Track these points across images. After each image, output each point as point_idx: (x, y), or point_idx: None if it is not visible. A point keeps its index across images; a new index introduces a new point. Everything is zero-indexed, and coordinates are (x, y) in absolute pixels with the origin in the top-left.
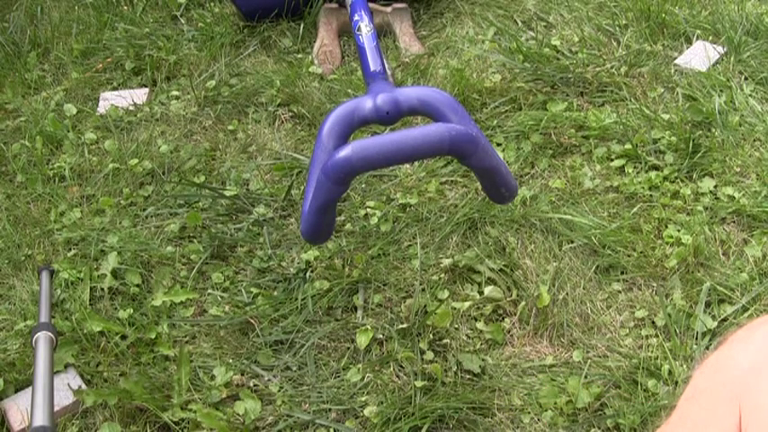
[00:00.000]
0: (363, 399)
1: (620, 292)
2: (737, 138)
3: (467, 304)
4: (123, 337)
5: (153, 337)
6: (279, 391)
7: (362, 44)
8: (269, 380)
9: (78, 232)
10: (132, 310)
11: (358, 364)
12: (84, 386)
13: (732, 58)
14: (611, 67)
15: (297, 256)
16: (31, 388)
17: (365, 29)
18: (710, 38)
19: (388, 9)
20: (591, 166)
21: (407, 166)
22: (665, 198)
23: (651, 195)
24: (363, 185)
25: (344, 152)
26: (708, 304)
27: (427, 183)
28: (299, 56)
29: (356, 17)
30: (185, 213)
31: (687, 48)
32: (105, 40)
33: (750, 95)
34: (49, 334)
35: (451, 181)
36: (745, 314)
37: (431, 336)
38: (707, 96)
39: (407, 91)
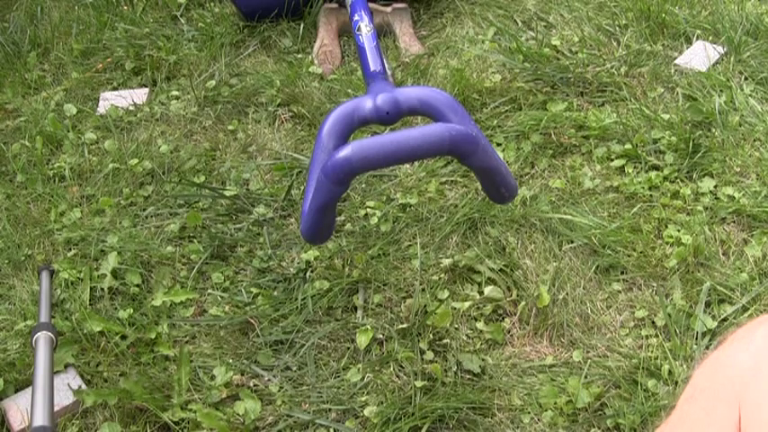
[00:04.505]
0: (363, 399)
1: (620, 292)
2: (737, 138)
3: (467, 304)
4: (123, 337)
5: (153, 337)
6: (279, 391)
7: (362, 44)
8: (269, 380)
9: (78, 232)
10: (132, 310)
11: (358, 364)
12: (84, 386)
13: (732, 58)
14: (611, 67)
15: (297, 256)
16: (31, 388)
17: (365, 29)
18: (710, 38)
19: (388, 9)
20: (591, 166)
21: (407, 166)
22: (665, 198)
23: (651, 195)
24: (363, 185)
25: (344, 152)
26: (708, 304)
27: (427, 183)
28: (299, 56)
29: (356, 17)
30: (185, 213)
31: (687, 48)
32: (105, 40)
33: (750, 95)
34: (49, 334)
35: (451, 181)
36: (745, 314)
37: (431, 336)
38: (707, 96)
39: (407, 91)
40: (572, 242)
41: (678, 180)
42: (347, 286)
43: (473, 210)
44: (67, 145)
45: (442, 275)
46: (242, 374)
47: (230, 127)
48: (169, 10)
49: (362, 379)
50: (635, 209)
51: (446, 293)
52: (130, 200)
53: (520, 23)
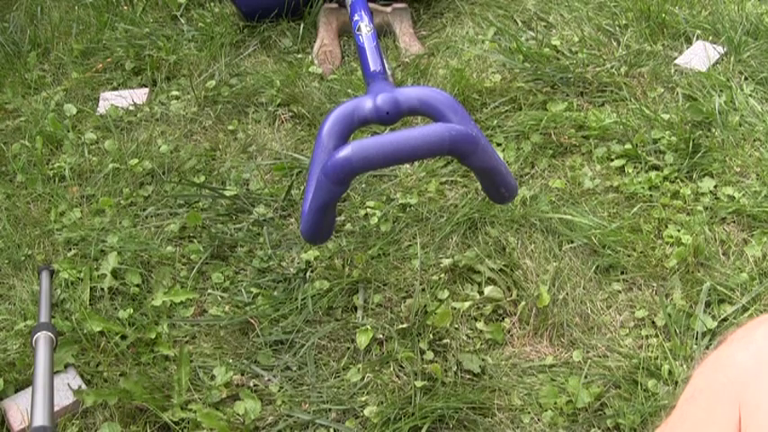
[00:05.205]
0: (363, 399)
1: (620, 292)
2: (737, 138)
3: (467, 304)
4: (123, 337)
5: (153, 337)
6: (279, 391)
7: (362, 44)
8: (269, 380)
9: (78, 232)
10: (132, 310)
11: (358, 364)
12: (84, 386)
13: (732, 58)
14: (611, 67)
15: (297, 256)
16: (31, 388)
17: (365, 29)
18: (710, 38)
19: (388, 9)
20: (591, 166)
21: (407, 166)
22: (665, 198)
23: (651, 195)
24: (363, 185)
25: (344, 152)
26: (708, 304)
27: (427, 183)
28: (299, 56)
29: (356, 17)
30: (185, 213)
31: (687, 48)
32: (105, 40)
33: (750, 95)
34: (49, 334)
35: (451, 181)
36: (745, 314)
37: (431, 336)
38: (707, 96)
39: (407, 91)
40: (572, 242)
41: (678, 180)
42: (347, 286)
43: (473, 210)
44: (67, 145)
45: (442, 275)
46: (242, 374)
47: (230, 127)
48: (169, 10)
49: (362, 379)
50: (635, 209)
51: (446, 293)
52: (130, 200)
53: (520, 23)
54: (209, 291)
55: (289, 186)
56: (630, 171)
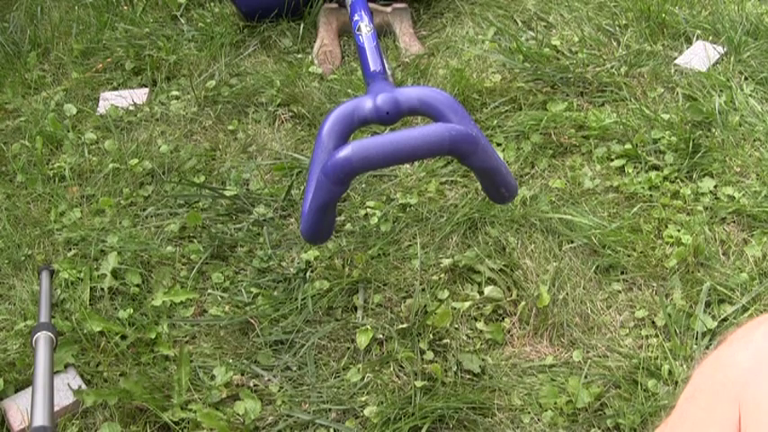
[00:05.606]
0: (363, 399)
1: (620, 292)
2: (737, 138)
3: (467, 304)
4: (123, 337)
5: (153, 337)
6: (279, 391)
7: (362, 44)
8: (269, 380)
9: (78, 232)
10: (132, 310)
11: (358, 364)
12: (84, 386)
13: (732, 58)
14: (611, 67)
15: (297, 256)
16: (31, 388)
17: (365, 29)
18: (710, 38)
19: (388, 9)
20: (591, 166)
21: (407, 166)
22: (665, 198)
23: (651, 195)
24: (363, 185)
25: (344, 152)
26: (708, 304)
27: (427, 183)
28: (299, 56)
29: (356, 17)
30: (185, 213)
31: (687, 48)
32: (105, 40)
33: (750, 95)
34: (49, 334)
35: (451, 181)
36: (745, 314)
37: (431, 336)
38: (707, 96)
39: (407, 91)
40: (572, 242)
41: (678, 180)
42: (347, 286)
43: (473, 210)
44: (67, 145)
45: (442, 275)
46: (242, 374)
47: (230, 127)
48: (169, 10)
49: (362, 379)
50: (635, 209)
51: (446, 293)
52: (130, 200)
53: (520, 23)
54: (209, 291)
55: (289, 186)
56: (630, 171)
